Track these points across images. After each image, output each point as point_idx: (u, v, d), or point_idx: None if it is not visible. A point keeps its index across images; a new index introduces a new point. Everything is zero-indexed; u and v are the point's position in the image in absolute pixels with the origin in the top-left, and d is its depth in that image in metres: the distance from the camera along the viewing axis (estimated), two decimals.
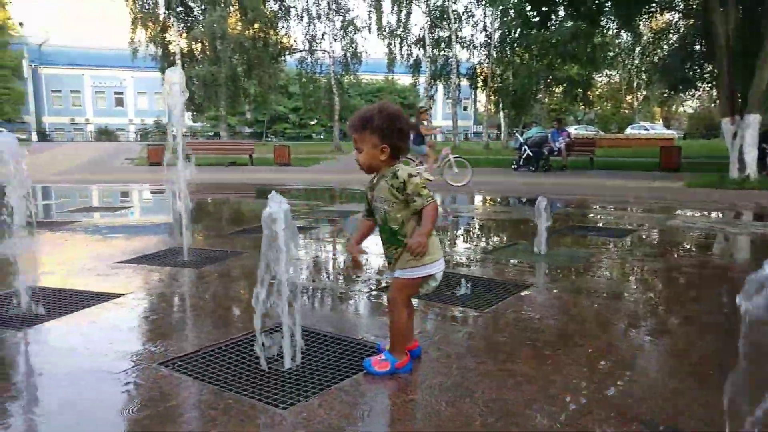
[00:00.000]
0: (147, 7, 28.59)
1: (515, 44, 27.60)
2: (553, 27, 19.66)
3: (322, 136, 58.52)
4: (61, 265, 4.85)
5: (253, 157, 22.32)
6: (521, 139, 18.37)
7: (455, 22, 32.33)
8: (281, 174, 18.35)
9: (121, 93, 64.33)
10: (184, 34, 29.30)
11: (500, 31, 31.66)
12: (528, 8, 17.46)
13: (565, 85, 33.31)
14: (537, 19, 17.20)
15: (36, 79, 60.52)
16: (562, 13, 18.93)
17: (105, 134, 57.49)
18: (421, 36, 33.26)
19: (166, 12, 29.17)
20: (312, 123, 59.12)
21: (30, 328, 3.20)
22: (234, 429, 2.07)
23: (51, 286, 4.01)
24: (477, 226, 7.67)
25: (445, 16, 32.47)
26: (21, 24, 47.11)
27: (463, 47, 33.71)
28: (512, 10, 22.00)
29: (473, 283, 3.99)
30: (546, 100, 39.17)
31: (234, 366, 2.63)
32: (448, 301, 3.65)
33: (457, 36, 32.56)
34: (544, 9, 16.66)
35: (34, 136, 54.79)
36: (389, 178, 2.46)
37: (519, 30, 22.24)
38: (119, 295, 3.87)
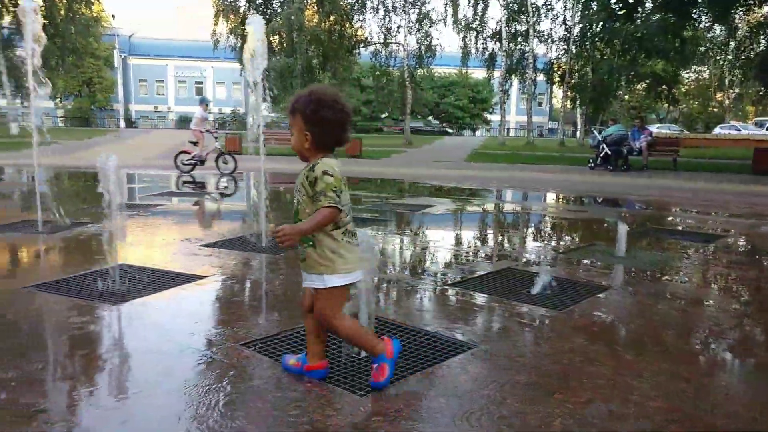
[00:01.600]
0: (228, 0, 29.52)
1: (597, 38, 26.61)
2: (638, 20, 18.81)
3: (393, 130, 58.71)
4: (149, 246, 5.13)
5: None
6: (599, 137, 17.75)
7: (533, 16, 31.57)
8: (352, 166, 18.55)
9: (201, 83, 66.76)
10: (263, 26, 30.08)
11: (581, 25, 30.65)
12: (613, 1, 16.78)
13: (648, 81, 31.90)
14: (622, 12, 16.50)
15: (125, 68, 63.75)
16: (649, 5, 18.10)
17: (185, 122, 59.96)
18: (497, 29, 32.69)
19: (247, 4, 30.02)
20: (383, 116, 59.37)
21: (122, 304, 3.41)
22: (314, 411, 2.14)
23: (139, 265, 4.24)
24: (552, 226, 7.50)
25: (523, 9, 31.77)
26: (113, 16, 49.70)
27: (540, 41, 32.91)
28: (595, 3, 21.22)
29: (549, 283, 3.92)
30: (627, 96, 37.68)
31: None
32: (522, 300, 3.60)
33: (534, 30, 31.80)
34: (630, 1, 15.97)
35: (122, 123, 57.87)
36: (307, 170, 2.25)
37: (601, 23, 21.40)
38: (202, 277, 4.05)
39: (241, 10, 30.00)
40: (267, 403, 2.21)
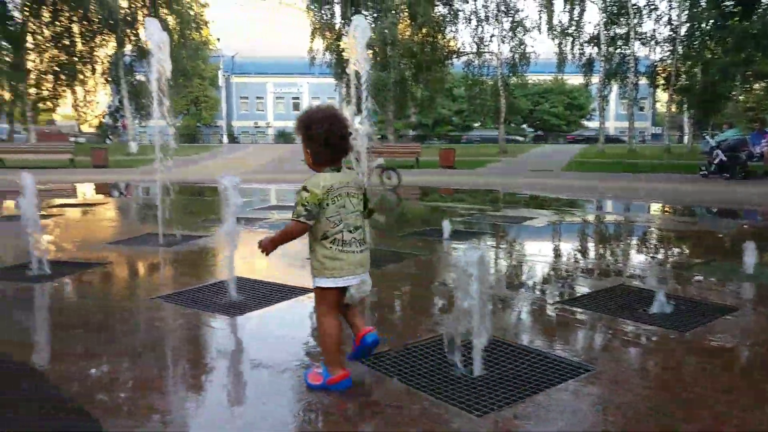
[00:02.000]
0: (325, 18, 30.52)
1: (707, 37, 24.99)
2: (755, 17, 17.50)
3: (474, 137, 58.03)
4: (259, 258, 5.35)
5: (419, 159, 22.80)
6: (713, 143, 16.57)
7: (634, 17, 30.18)
8: (446, 177, 18.53)
9: (298, 98, 69.34)
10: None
11: (688, 24, 28.94)
12: None
13: (766, 81, 29.53)
14: (737, 8, 15.39)
15: (228, 87, 67.43)
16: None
17: (283, 137, 62.38)
18: (595, 33, 31.55)
19: (342, 21, 30.89)
20: (476, 125, 58.86)
21: (239, 315, 3.58)
22: (431, 430, 2.15)
23: (252, 278, 4.44)
24: (665, 239, 7.09)
25: (623, 11, 30.46)
26: (218, 39, 52.82)
27: (643, 44, 31.35)
28: (704, 1, 19.95)
29: (669, 302, 3.70)
30: (741, 97, 35.06)
31: (424, 368, 2.71)
32: (640, 320, 3.43)
33: (635, 32, 30.37)
34: None
35: (225, 139, 61.13)
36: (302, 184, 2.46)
37: (712, 22, 20.08)
38: (311, 290, 4.18)
39: (337, 27, 30.89)
40: (384, 418, 2.24)
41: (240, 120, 68.67)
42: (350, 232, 2.50)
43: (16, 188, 4.97)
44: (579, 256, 5.97)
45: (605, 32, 30.76)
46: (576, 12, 31.31)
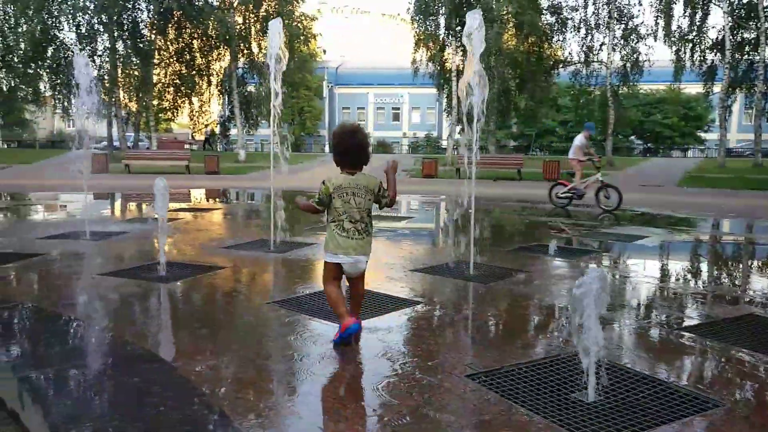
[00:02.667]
0: (429, 29, 30.74)
1: None
2: None
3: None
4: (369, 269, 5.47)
5: (521, 171, 22.35)
6: None
7: (766, 21, 27.91)
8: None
9: (398, 108, 70.18)
10: (461, 52, 30.73)
11: None
12: None
13: None
14: None
15: (331, 97, 69.54)
16: None
17: (382, 146, 63.37)
18: (719, 39, 29.48)
19: (446, 32, 30.98)
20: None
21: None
22: None
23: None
24: None
25: (752, 14, 28.25)
26: (324, 51, 54.62)
27: None
28: None
29: None
30: None
31: (537, 389, 2.67)
32: None
33: (767, 36, 28.07)
34: None
35: (327, 148, 63.05)
36: None
37: None
38: (416, 303, 4.23)
39: (440, 38, 31.02)
40: None
41: None
42: (351, 222, 3.17)
43: (142, 192, 5.40)
44: (700, 279, 5.60)
45: (731, 37, 28.68)
46: (698, 16, 29.43)
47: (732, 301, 4.50)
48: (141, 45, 31.56)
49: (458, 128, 34.08)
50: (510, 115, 34.60)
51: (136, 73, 32.09)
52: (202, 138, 49.32)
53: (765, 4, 27.68)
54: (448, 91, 31.95)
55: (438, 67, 31.72)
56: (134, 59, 31.70)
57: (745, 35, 29.27)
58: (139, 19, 31.96)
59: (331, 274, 3.25)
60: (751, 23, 28.68)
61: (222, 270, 5.34)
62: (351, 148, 3.18)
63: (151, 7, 30.88)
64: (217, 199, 14.49)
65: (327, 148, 62.55)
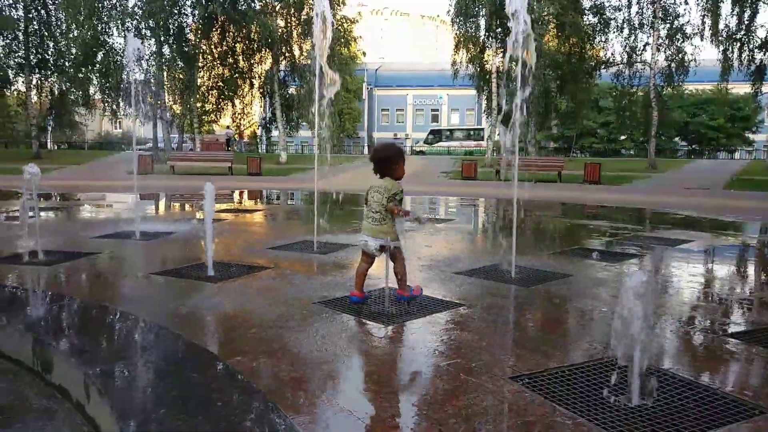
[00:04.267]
0: (470, 32, 30.69)
1: None
2: None
3: (632, 152, 54.66)
4: (408, 271, 5.56)
5: (561, 174, 22.12)
6: None
7: None
8: (590, 193, 17.79)
9: (437, 110, 70.05)
10: (501, 54, 30.57)
11: None
12: None
13: None
14: None
15: (370, 99, 69.89)
16: None
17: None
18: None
19: (486, 34, 30.88)
20: (622, 138, 55.65)
21: (392, 326, 3.79)
22: None
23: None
24: None
25: None
26: (364, 54, 55.00)
27: None
28: None
29: None
30: None
31: (580, 392, 2.72)
32: None
33: None
34: None
35: (365, 150, 63.40)
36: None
37: None
38: (460, 305, 4.31)
39: (481, 40, 30.91)
40: None
41: (380, 131, 70.76)
42: (370, 211, 4.23)
43: (187, 192, 5.62)
44: (745, 284, 5.51)
45: None
46: (746, 15, 28.56)
47: None
48: (186, 49, 32.43)
49: (497, 130, 33.90)
50: (550, 117, 34.20)
51: (180, 76, 33.01)
52: (248, 139, 50.22)
53: None
54: (488, 93, 31.82)
55: (478, 68, 31.61)
56: (179, 62, 32.59)
57: None
58: (185, 24, 32.85)
59: (362, 251, 4.31)
60: None
61: (267, 270, 5.52)
62: (372, 161, 4.39)
63: (197, 12, 31.69)
64: (261, 200, 14.81)
65: (366, 150, 62.94)
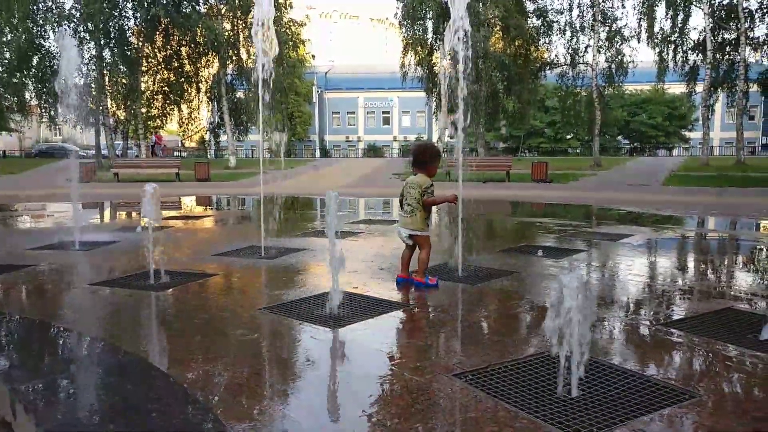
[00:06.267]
0: (417, 34, 30.92)
1: None
2: None
3: (578, 151, 56.28)
4: (355, 272, 5.55)
5: (510, 173, 22.53)
6: None
7: (746, 21, 28.31)
8: (537, 191, 18.20)
9: (388, 112, 70.38)
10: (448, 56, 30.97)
11: None
12: None
13: None
14: None
15: (321, 102, 69.64)
16: None
17: (373, 150, 63.48)
18: (700, 40, 29.90)
19: (434, 36, 31.17)
20: (568, 137, 57.25)
21: (340, 328, 3.76)
22: None
23: (349, 291, 4.61)
24: None
25: (732, 15, 28.67)
26: (313, 56, 54.67)
27: (754, 49, 29.34)
28: None
29: None
30: None
31: (522, 386, 2.75)
32: (749, 346, 3.29)
33: (747, 36, 28.47)
34: None
35: (317, 153, 63.11)
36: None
37: None
38: (406, 305, 4.32)
39: (428, 42, 31.19)
40: None
41: (332, 134, 70.60)
42: (404, 206, 4.77)
43: (131, 200, 5.45)
44: (682, 276, 5.73)
45: (712, 38, 29.08)
46: (680, 18, 29.84)
47: (712, 296, 4.62)
48: (128, 53, 31.47)
49: (447, 131, 34.23)
50: (498, 118, 34.84)
51: (123, 81, 32.00)
52: (195, 144, 49.00)
53: (744, 5, 28.10)
54: (437, 95, 32.15)
55: (426, 70, 31.88)
56: (121, 67, 31.60)
57: (726, 36, 29.70)
58: (126, 27, 31.88)
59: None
60: (731, 24, 29.10)
61: (212, 277, 5.40)
62: (412, 159, 4.90)
63: (138, 14, 30.80)
64: (208, 207, 14.51)
65: (318, 153, 62.60)
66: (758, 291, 4.88)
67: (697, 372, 3.03)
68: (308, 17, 40.37)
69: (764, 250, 7.42)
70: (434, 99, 33.31)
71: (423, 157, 4.83)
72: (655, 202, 13.61)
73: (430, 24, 30.91)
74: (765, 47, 29.42)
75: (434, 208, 5.03)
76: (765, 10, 28.75)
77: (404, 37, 31.24)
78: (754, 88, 31.31)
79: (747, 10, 28.48)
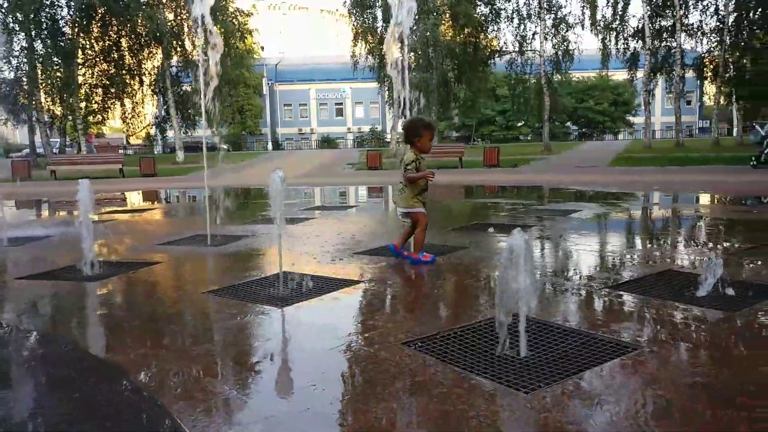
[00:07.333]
0: (367, 23, 30.75)
1: (755, 26, 24.10)
2: None
3: (529, 138, 57.33)
4: (306, 254, 5.45)
5: (462, 159, 22.72)
6: (762, 132, 15.98)
7: (680, 9, 29.28)
8: (490, 175, 18.41)
9: (341, 104, 69.86)
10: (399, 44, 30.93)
11: (736, 14, 28.00)
12: None
13: None
14: None
15: (272, 95, 68.54)
16: None
17: (327, 142, 63.05)
18: (639, 27, 30.78)
19: (384, 25, 31.07)
20: (519, 125, 58.21)
21: (288, 307, 3.66)
22: (480, 407, 2.17)
23: (299, 272, 4.52)
24: (713, 228, 6.88)
25: (668, 3, 29.61)
26: (262, 48, 53.74)
27: (689, 35, 30.41)
28: None
29: (717, 285, 3.58)
30: None
31: (471, 350, 2.73)
32: (688, 301, 3.38)
33: (682, 24, 29.47)
34: None
35: (270, 146, 62.20)
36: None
37: (760, 9, 19.29)
38: (357, 282, 4.26)
39: (379, 31, 31.07)
40: (434, 398, 2.28)
41: (284, 127, 69.63)
42: (398, 182, 4.71)
43: (67, 197, 5.20)
44: (626, 244, 5.87)
45: (650, 25, 29.97)
46: (620, 6, 30.62)
47: (653, 260, 4.74)
48: (62, 44, 30.01)
49: (401, 121, 34.09)
50: (451, 106, 35.08)
51: (58, 74, 30.48)
52: (141, 141, 47.42)
53: None
54: (389, 84, 32.12)
55: (377, 60, 31.77)
56: (55, 59, 30.09)
57: (663, 23, 30.63)
58: (59, 17, 30.37)
59: None
60: (667, 12, 30.04)
61: (156, 265, 5.21)
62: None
63: (72, 3, 29.33)
64: (154, 201, 14.09)
65: (270, 146, 61.69)
66: (694, 254, 5.04)
67: (640, 327, 3.08)
68: (255, 7, 39.64)
69: (700, 219, 7.67)
70: (386, 88, 33.27)
71: (408, 133, 4.67)
72: (602, 182, 13.94)
73: (379, 12, 30.81)
74: (699, 34, 30.52)
75: (430, 184, 4.79)
76: None
77: (354, 26, 31.05)
78: (690, 73, 32.46)
79: None
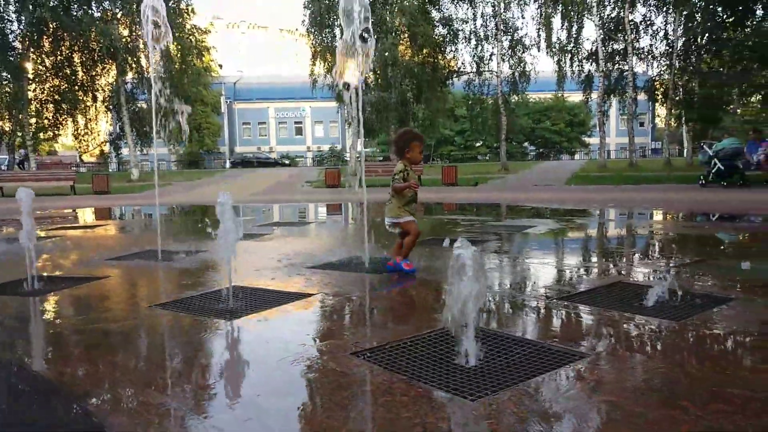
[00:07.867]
0: (326, 41, 30.85)
1: (703, 50, 25.20)
2: (748, 28, 17.64)
3: (487, 157, 58.26)
4: (259, 269, 5.35)
5: (421, 178, 22.88)
6: (710, 152, 16.65)
7: (632, 33, 30.42)
8: (448, 193, 18.58)
9: (301, 122, 69.78)
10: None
11: (684, 39, 29.22)
12: (719, 9, 15.84)
13: (763, 92, 29.62)
14: (731, 19, 15.52)
15: (230, 113, 68.01)
16: (760, 11, 16.92)
17: (287, 159, 62.71)
18: (593, 50, 31.81)
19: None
20: (477, 144, 59.14)
21: (236, 320, 3.57)
22: (426, 414, 2.13)
23: (251, 286, 4.43)
24: (663, 242, 7.07)
25: (620, 27, 30.73)
26: (221, 66, 53.44)
27: (640, 59, 31.57)
28: (699, 14, 20.13)
29: (664, 295, 3.66)
30: (739, 110, 35.17)
31: (420, 360, 2.70)
32: (636, 311, 3.42)
33: (633, 47, 30.60)
34: (739, 9, 15.01)
35: (227, 164, 61.47)
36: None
37: (707, 35, 20.20)
38: (309, 295, 4.18)
39: (337, 50, 31.18)
40: (380, 406, 2.23)
41: (243, 145, 69.05)
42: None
43: (15, 215, 4.99)
44: (578, 258, 5.95)
45: (603, 48, 31.00)
46: (574, 29, 31.59)
47: (604, 272, 4.82)
48: (11, 58, 29.13)
49: (359, 140, 34.24)
50: (409, 125, 35.37)
51: (6, 89, 29.52)
52: (95, 158, 46.26)
53: (630, 18, 30.22)
54: (348, 103, 32.21)
55: (336, 79, 31.84)
56: (4, 74, 29.15)
57: (615, 47, 31.74)
58: (8, 31, 29.50)
59: None
60: (619, 36, 31.15)
61: (102, 280, 5.02)
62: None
63: (23, 18, 28.53)
64: (105, 218, 13.68)
65: (228, 164, 60.96)
66: (645, 266, 5.14)
67: (589, 336, 3.11)
68: (213, 25, 39.42)
69: (651, 234, 7.87)
70: (345, 108, 33.36)
71: (398, 144, 4.77)
72: (559, 199, 14.22)
73: (338, 32, 30.95)
74: (649, 57, 31.71)
75: (418, 194, 4.86)
76: (648, 23, 31.01)
77: (312, 45, 31.11)
78: (642, 96, 33.63)
79: (633, 23, 30.62)
